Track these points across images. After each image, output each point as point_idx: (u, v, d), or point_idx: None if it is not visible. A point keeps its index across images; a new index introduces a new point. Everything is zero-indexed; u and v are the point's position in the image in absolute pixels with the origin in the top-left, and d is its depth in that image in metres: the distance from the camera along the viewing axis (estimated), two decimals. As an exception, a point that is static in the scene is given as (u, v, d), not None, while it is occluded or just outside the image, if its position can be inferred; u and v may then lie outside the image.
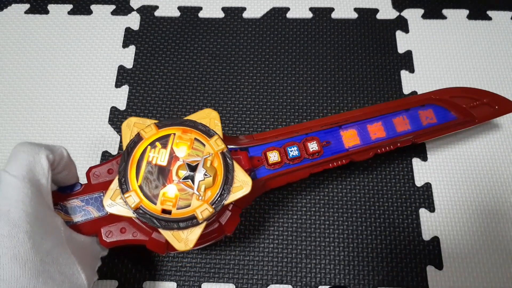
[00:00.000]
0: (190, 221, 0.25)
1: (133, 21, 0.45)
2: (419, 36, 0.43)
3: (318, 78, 0.42)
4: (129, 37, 0.44)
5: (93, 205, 0.27)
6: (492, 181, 0.37)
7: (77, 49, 0.43)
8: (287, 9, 0.45)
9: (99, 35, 0.44)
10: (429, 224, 0.36)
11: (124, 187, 0.25)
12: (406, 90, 0.41)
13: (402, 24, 0.44)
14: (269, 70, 0.42)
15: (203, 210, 0.25)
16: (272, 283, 0.34)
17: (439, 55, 0.43)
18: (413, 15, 0.45)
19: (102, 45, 0.43)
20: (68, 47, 0.43)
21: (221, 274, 0.34)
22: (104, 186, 0.27)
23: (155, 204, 0.25)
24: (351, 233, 0.35)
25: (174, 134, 0.27)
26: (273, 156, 0.30)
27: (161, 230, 0.25)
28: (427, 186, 0.37)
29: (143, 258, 0.35)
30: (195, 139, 0.27)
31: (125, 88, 0.41)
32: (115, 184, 0.26)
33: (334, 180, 0.37)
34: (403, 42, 0.43)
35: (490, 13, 0.44)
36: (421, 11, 0.45)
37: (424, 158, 0.38)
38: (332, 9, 0.45)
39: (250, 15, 0.45)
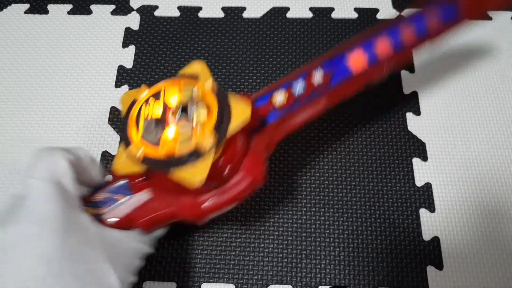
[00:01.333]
0: (196, 156, 0.24)
1: (133, 21, 0.45)
2: (419, 36, 0.43)
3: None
4: (129, 37, 0.44)
5: (120, 193, 0.27)
6: (492, 181, 0.37)
7: (77, 49, 0.43)
8: (287, 9, 0.45)
9: (99, 35, 0.44)
10: (430, 224, 0.36)
11: (127, 144, 0.25)
12: (406, 90, 0.41)
13: (402, 24, 0.44)
14: (269, 70, 0.42)
15: (204, 139, 0.24)
16: (272, 283, 0.34)
17: (439, 55, 0.42)
18: (413, 15, 0.44)
19: (102, 45, 0.43)
20: (68, 47, 0.43)
21: (221, 274, 0.34)
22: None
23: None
24: (351, 233, 0.35)
25: (164, 88, 0.27)
26: (280, 97, 0.29)
27: (171, 174, 0.24)
28: (427, 186, 0.37)
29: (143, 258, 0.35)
30: (184, 85, 0.26)
31: (125, 88, 0.41)
32: (119, 150, 0.26)
33: (334, 180, 0.37)
34: (403, 42, 0.43)
35: (489, 13, 0.44)
36: (421, 11, 0.45)
37: (424, 158, 0.38)
38: (332, 9, 0.45)
39: (250, 15, 0.45)
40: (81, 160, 0.26)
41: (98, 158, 0.38)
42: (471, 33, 0.43)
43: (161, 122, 0.25)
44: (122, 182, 0.28)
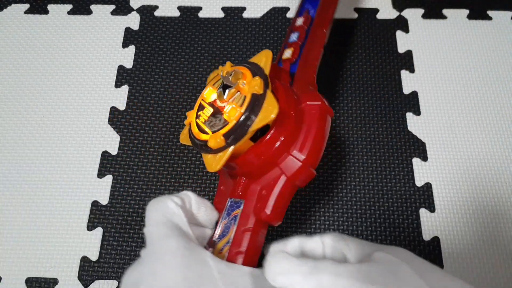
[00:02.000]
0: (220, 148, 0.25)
1: (133, 21, 0.45)
2: (419, 36, 0.43)
3: (318, 78, 0.41)
4: (129, 37, 0.44)
5: (234, 209, 0.27)
6: (492, 181, 0.37)
7: (77, 49, 0.43)
8: (287, 9, 0.45)
9: (99, 35, 0.44)
10: (430, 224, 0.36)
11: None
12: (406, 90, 0.41)
13: (402, 24, 0.44)
14: (269, 70, 0.42)
15: (211, 139, 0.25)
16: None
17: (439, 55, 0.42)
18: (413, 15, 0.45)
19: (102, 45, 0.43)
20: (68, 47, 0.43)
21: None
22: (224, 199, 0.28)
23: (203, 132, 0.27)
24: (351, 233, 0.35)
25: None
26: (288, 52, 0.33)
27: (202, 155, 0.26)
28: (427, 186, 0.37)
29: (143, 258, 0.35)
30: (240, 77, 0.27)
31: (125, 88, 0.41)
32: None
33: (334, 180, 0.37)
34: (403, 42, 0.43)
35: (490, 13, 0.44)
36: (421, 11, 0.45)
37: (424, 158, 0.38)
38: (332, 9, 0.45)
39: (250, 15, 0.45)
40: (190, 199, 0.26)
41: (98, 158, 0.38)
42: (471, 33, 0.43)
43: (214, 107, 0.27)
44: (228, 202, 0.28)
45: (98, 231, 0.36)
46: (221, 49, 0.43)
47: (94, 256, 0.35)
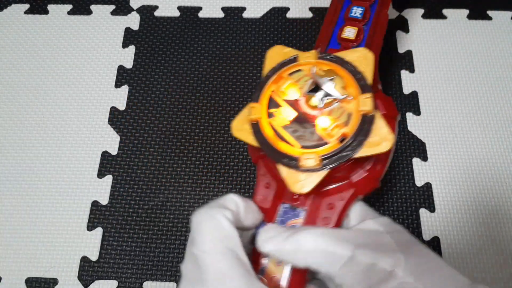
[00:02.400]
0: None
1: (133, 21, 0.45)
2: (419, 36, 0.43)
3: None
4: (129, 37, 0.44)
5: (291, 218, 0.24)
6: (492, 181, 0.37)
7: (77, 49, 0.43)
8: (287, 9, 0.45)
9: (99, 35, 0.44)
10: (429, 224, 0.36)
11: (255, 96, 0.24)
12: (406, 90, 0.41)
13: (402, 24, 0.44)
14: (269, 70, 0.42)
15: (308, 158, 0.22)
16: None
17: (439, 55, 0.42)
18: (413, 15, 0.44)
19: (102, 45, 0.43)
20: (67, 47, 0.43)
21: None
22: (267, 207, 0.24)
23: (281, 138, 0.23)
24: (351, 233, 0.35)
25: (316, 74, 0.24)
26: (349, 32, 0.28)
27: (277, 165, 0.22)
28: (427, 186, 0.37)
29: (143, 258, 0.35)
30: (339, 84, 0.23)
31: (125, 88, 0.41)
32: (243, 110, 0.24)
33: (334, 180, 0.37)
34: (403, 42, 0.43)
35: (490, 13, 0.44)
36: (421, 11, 0.45)
37: (424, 158, 0.38)
38: (332, 9, 0.45)
39: (250, 15, 0.45)
40: (239, 206, 0.23)
41: (98, 158, 0.38)
42: (471, 33, 0.43)
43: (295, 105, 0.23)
44: (281, 208, 0.24)
45: (98, 231, 0.36)
46: (221, 49, 0.43)
47: (94, 256, 0.35)
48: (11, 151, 0.39)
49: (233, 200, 0.23)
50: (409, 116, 0.40)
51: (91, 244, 0.35)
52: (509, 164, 0.38)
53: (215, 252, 0.20)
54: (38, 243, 0.35)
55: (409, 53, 0.43)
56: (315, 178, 0.22)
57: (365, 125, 0.22)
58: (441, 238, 0.35)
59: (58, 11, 0.45)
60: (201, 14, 0.45)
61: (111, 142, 0.39)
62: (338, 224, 0.23)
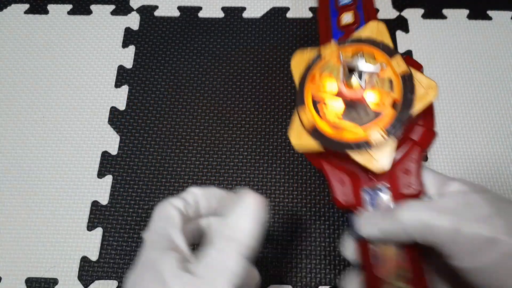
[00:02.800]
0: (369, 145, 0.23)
1: (133, 21, 0.45)
2: (419, 36, 0.43)
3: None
4: (129, 37, 0.44)
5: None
6: (492, 181, 0.37)
7: (77, 49, 0.43)
8: (287, 9, 0.45)
9: (99, 35, 0.44)
10: (429, 224, 0.36)
11: (299, 100, 0.25)
12: (406, 90, 0.41)
13: (402, 24, 0.44)
14: (269, 70, 0.42)
15: (374, 135, 0.23)
16: (272, 283, 0.34)
17: (439, 55, 0.42)
18: (413, 15, 0.44)
19: (102, 45, 0.43)
20: (67, 47, 0.43)
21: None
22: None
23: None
24: (351, 233, 0.35)
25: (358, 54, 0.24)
26: (347, 17, 0.30)
27: (351, 153, 0.23)
28: (427, 186, 0.37)
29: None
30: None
31: (125, 88, 0.41)
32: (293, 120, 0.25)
33: (334, 180, 0.37)
34: (403, 42, 0.43)
35: (490, 13, 0.44)
36: (421, 11, 0.45)
37: (424, 158, 0.38)
38: (332, 9, 0.45)
39: (250, 15, 0.45)
40: (195, 199, 0.24)
41: (98, 159, 0.38)
42: (471, 33, 0.43)
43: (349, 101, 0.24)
44: (364, 194, 0.25)
45: (98, 231, 0.36)
46: (221, 49, 0.43)
47: (94, 256, 0.35)
48: (11, 151, 0.39)
49: (191, 192, 0.24)
50: (409, 116, 0.40)
51: (91, 244, 0.35)
52: (509, 164, 0.38)
53: (151, 240, 0.22)
54: (38, 243, 0.35)
55: (409, 53, 0.43)
56: (389, 150, 0.23)
57: (407, 83, 0.23)
58: (441, 238, 0.35)
59: (58, 11, 0.45)
60: (201, 14, 0.45)
61: (111, 142, 0.39)
62: (421, 186, 0.24)
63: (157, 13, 0.45)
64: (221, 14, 0.45)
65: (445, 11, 0.45)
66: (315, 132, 0.25)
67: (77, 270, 0.34)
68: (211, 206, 0.24)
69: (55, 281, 0.34)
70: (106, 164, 0.38)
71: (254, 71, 0.42)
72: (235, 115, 0.40)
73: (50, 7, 0.45)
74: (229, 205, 0.23)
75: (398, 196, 0.24)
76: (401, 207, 0.22)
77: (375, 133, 0.23)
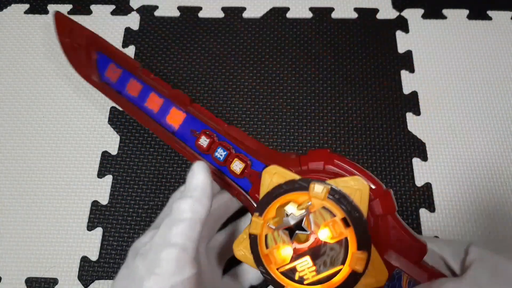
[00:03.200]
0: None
1: (133, 21, 0.45)
2: (419, 36, 0.43)
3: (318, 78, 0.42)
4: (129, 37, 0.44)
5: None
6: (492, 181, 0.37)
7: (77, 49, 0.43)
8: (287, 9, 0.45)
9: (99, 35, 0.44)
10: (430, 224, 0.36)
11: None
12: (406, 90, 0.41)
13: (402, 24, 0.44)
14: (269, 70, 0.42)
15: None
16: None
17: (439, 55, 0.42)
18: (413, 15, 0.45)
19: (102, 45, 0.43)
20: (68, 47, 0.43)
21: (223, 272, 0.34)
22: None
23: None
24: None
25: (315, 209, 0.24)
26: (237, 165, 0.28)
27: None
28: (427, 186, 0.37)
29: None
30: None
31: (125, 88, 0.41)
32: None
33: (334, 180, 0.37)
34: (403, 42, 0.43)
35: (490, 13, 0.44)
36: (421, 11, 0.45)
37: (424, 158, 0.38)
38: (332, 9, 0.45)
39: (250, 15, 0.45)
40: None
41: (98, 158, 0.38)
42: (471, 33, 0.43)
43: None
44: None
45: (98, 231, 0.36)
46: (221, 49, 0.43)
47: (94, 256, 0.35)
48: (11, 151, 0.39)
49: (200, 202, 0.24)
50: (409, 116, 0.40)
51: (91, 244, 0.35)
52: (509, 164, 0.38)
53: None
54: (38, 243, 0.35)
55: (409, 53, 0.43)
56: None
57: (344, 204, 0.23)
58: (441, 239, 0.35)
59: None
60: (201, 14, 0.45)
61: (111, 142, 0.39)
62: (420, 241, 0.24)
63: (157, 13, 0.45)
64: (221, 14, 0.45)
65: (445, 11, 0.45)
66: (253, 241, 0.24)
67: (77, 270, 0.34)
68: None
69: (55, 281, 0.34)
70: (106, 164, 0.38)
71: (254, 71, 0.42)
72: (235, 115, 0.40)
73: (50, 7, 0.45)
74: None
75: (412, 269, 0.24)
76: None
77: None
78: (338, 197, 0.23)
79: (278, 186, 0.24)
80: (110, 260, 0.35)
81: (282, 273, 0.24)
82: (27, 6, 0.45)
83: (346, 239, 0.23)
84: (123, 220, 0.36)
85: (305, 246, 0.23)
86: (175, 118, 0.31)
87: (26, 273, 0.34)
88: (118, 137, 0.39)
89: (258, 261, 0.24)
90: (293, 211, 0.23)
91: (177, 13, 0.45)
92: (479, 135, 0.39)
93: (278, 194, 0.24)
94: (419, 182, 0.37)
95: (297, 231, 0.23)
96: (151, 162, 0.38)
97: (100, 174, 0.38)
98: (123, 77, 0.33)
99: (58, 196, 0.37)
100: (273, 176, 0.25)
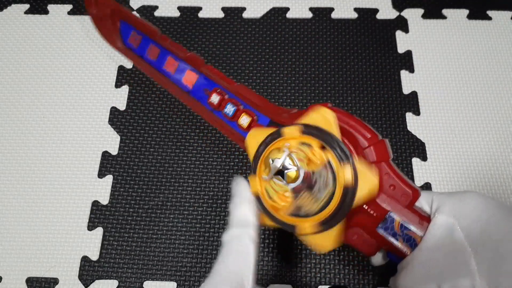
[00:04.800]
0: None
1: (133, 21, 0.45)
2: (419, 36, 0.43)
3: (318, 78, 0.42)
4: (129, 37, 0.44)
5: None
6: (492, 181, 0.37)
7: (77, 49, 0.43)
8: (287, 9, 0.45)
9: (99, 35, 0.44)
10: (429, 224, 0.36)
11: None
12: (406, 90, 0.41)
13: (402, 24, 0.44)
14: (269, 70, 0.42)
15: (305, 226, 0.25)
16: (272, 283, 0.34)
17: (439, 55, 0.43)
18: (413, 15, 0.45)
19: (102, 45, 0.43)
20: (67, 47, 0.43)
21: (221, 274, 0.34)
22: None
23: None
24: (351, 233, 0.35)
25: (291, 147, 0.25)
26: (244, 120, 0.31)
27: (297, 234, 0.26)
28: (427, 186, 0.37)
29: (143, 258, 0.35)
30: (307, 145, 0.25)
31: (125, 88, 0.41)
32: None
33: (334, 180, 0.37)
34: (403, 42, 0.43)
35: (490, 13, 0.44)
36: (421, 11, 0.45)
37: (424, 158, 0.38)
38: (332, 9, 0.45)
39: (250, 15, 0.45)
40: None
41: (98, 159, 0.38)
42: (471, 33, 0.43)
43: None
44: (381, 231, 0.26)
45: (99, 231, 0.36)
46: (221, 49, 0.43)
47: (94, 256, 0.35)
48: (12, 151, 0.39)
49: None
50: (409, 116, 0.40)
51: (91, 244, 0.35)
52: (509, 164, 0.38)
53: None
54: (38, 243, 0.35)
55: (409, 53, 0.43)
56: (332, 235, 0.25)
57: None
58: (441, 238, 0.35)
59: (58, 11, 0.45)
60: (201, 14, 0.45)
61: (111, 142, 0.39)
62: (414, 187, 0.25)
63: (157, 13, 0.45)
64: (221, 14, 0.45)
65: (445, 11, 0.45)
66: (257, 199, 0.27)
67: (78, 269, 0.34)
68: None
69: (55, 281, 0.34)
70: (107, 164, 0.38)
71: (254, 71, 0.42)
72: (235, 115, 0.40)
73: (50, 7, 0.45)
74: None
75: (404, 212, 0.25)
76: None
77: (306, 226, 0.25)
78: (309, 130, 0.25)
79: (261, 143, 0.27)
80: (111, 260, 0.35)
81: (291, 215, 0.26)
82: (27, 6, 0.45)
83: (329, 162, 0.24)
84: (123, 220, 0.36)
85: (298, 182, 0.25)
86: (190, 78, 0.34)
87: (27, 273, 0.34)
88: (119, 137, 0.39)
89: (267, 213, 0.26)
90: (276, 156, 0.25)
91: (177, 13, 0.45)
92: (478, 135, 0.39)
93: (263, 150, 0.26)
94: (418, 182, 0.37)
95: (285, 171, 0.25)
96: (151, 162, 0.38)
97: (101, 174, 0.38)
98: (144, 43, 0.36)
99: (58, 196, 0.37)
100: (256, 137, 0.27)
